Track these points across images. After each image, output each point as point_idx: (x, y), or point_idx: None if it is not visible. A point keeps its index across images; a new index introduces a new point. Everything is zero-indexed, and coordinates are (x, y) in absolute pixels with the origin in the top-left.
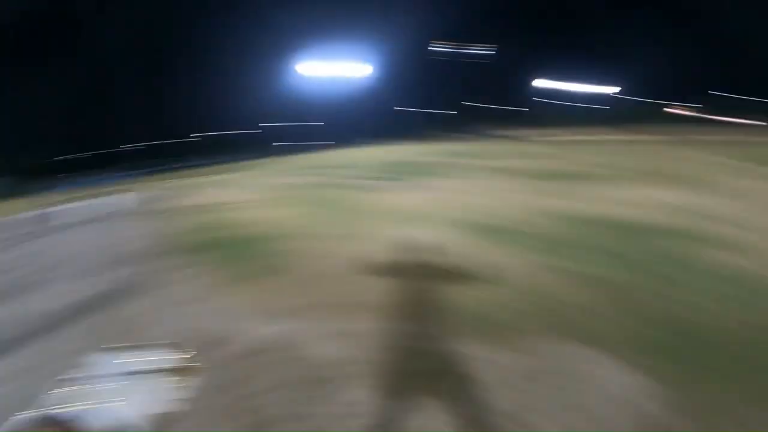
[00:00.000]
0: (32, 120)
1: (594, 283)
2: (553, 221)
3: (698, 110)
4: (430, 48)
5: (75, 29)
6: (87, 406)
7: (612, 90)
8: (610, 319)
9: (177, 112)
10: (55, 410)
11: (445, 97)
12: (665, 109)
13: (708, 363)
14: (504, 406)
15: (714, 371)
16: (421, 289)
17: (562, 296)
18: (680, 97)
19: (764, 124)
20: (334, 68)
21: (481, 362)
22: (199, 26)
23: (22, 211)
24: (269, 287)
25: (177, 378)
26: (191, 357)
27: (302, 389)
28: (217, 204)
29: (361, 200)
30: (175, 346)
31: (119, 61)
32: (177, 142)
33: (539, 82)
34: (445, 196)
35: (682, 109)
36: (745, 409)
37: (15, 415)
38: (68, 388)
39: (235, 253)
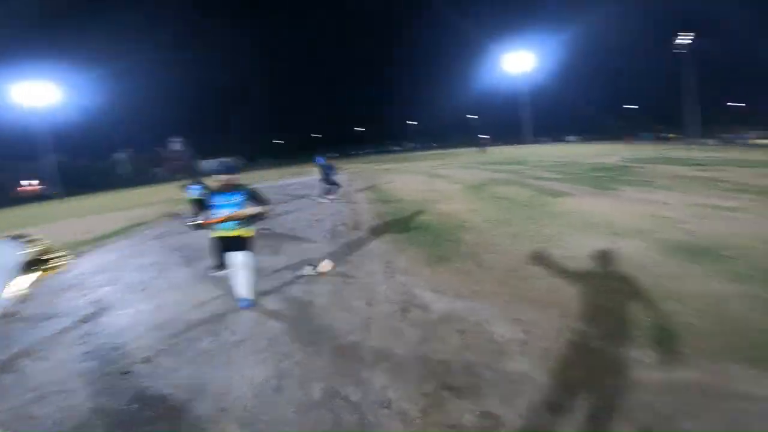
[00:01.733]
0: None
1: None
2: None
3: None
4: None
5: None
6: None
7: None
8: None
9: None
10: None
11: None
12: None
13: None
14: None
15: None
16: (605, 296)
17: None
18: None
19: None
20: (532, 62)
21: (643, 369)
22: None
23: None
24: (460, 270)
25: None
26: None
27: (477, 355)
28: (420, 191)
29: (549, 202)
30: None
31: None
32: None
33: None
34: (649, 207)
35: None
36: None
37: None
38: None
39: (434, 238)
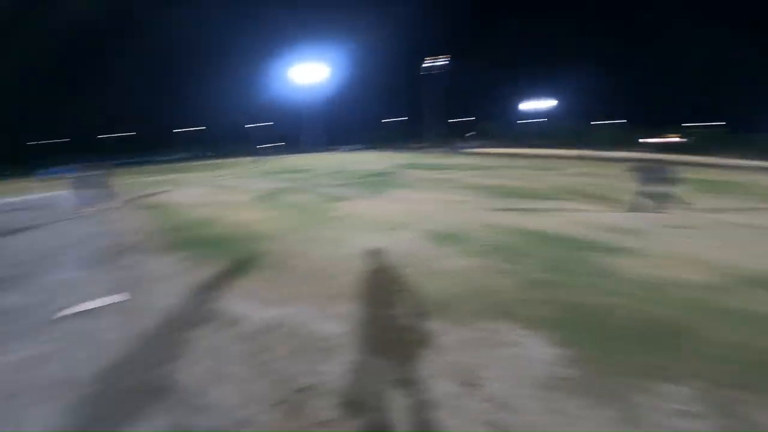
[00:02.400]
0: None
1: (527, 281)
2: (495, 231)
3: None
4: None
5: None
6: None
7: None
8: (533, 304)
9: (166, 106)
10: None
11: (417, 109)
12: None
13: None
14: (454, 365)
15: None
16: (388, 282)
17: (500, 288)
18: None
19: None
20: (318, 73)
21: (437, 334)
22: (198, 25)
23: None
24: (261, 280)
25: None
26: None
27: (310, 356)
28: (199, 203)
29: (332, 206)
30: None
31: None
32: (165, 135)
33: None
34: (404, 206)
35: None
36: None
37: None
38: None
39: (225, 250)
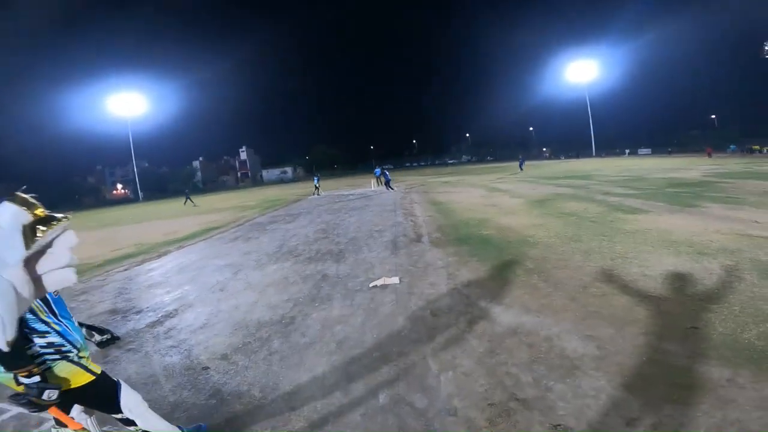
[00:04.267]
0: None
1: None
2: None
3: None
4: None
5: None
6: None
7: None
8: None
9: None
10: None
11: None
12: None
13: None
14: None
15: None
16: (680, 315)
17: None
18: None
19: None
20: (590, 71)
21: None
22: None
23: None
24: (526, 284)
25: None
26: None
27: (545, 369)
28: (480, 204)
29: (622, 218)
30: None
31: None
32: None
33: None
34: (728, 227)
35: None
36: None
37: None
38: None
39: (497, 251)
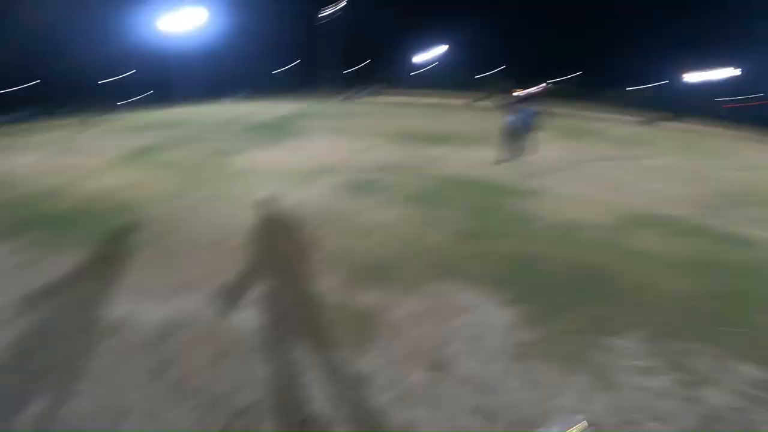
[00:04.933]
0: None
1: (456, 233)
2: (405, 177)
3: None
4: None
5: None
6: None
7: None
8: (470, 260)
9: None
10: None
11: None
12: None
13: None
14: (413, 346)
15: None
16: (310, 247)
17: (432, 244)
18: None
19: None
20: (194, 19)
21: (381, 309)
22: None
23: None
24: (145, 263)
25: None
26: None
27: (236, 360)
28: (41, 171)
29: (223, 162)
30: None
31: None
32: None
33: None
34: (310, 156)
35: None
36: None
37: None
38: None
39: (85, 230)
